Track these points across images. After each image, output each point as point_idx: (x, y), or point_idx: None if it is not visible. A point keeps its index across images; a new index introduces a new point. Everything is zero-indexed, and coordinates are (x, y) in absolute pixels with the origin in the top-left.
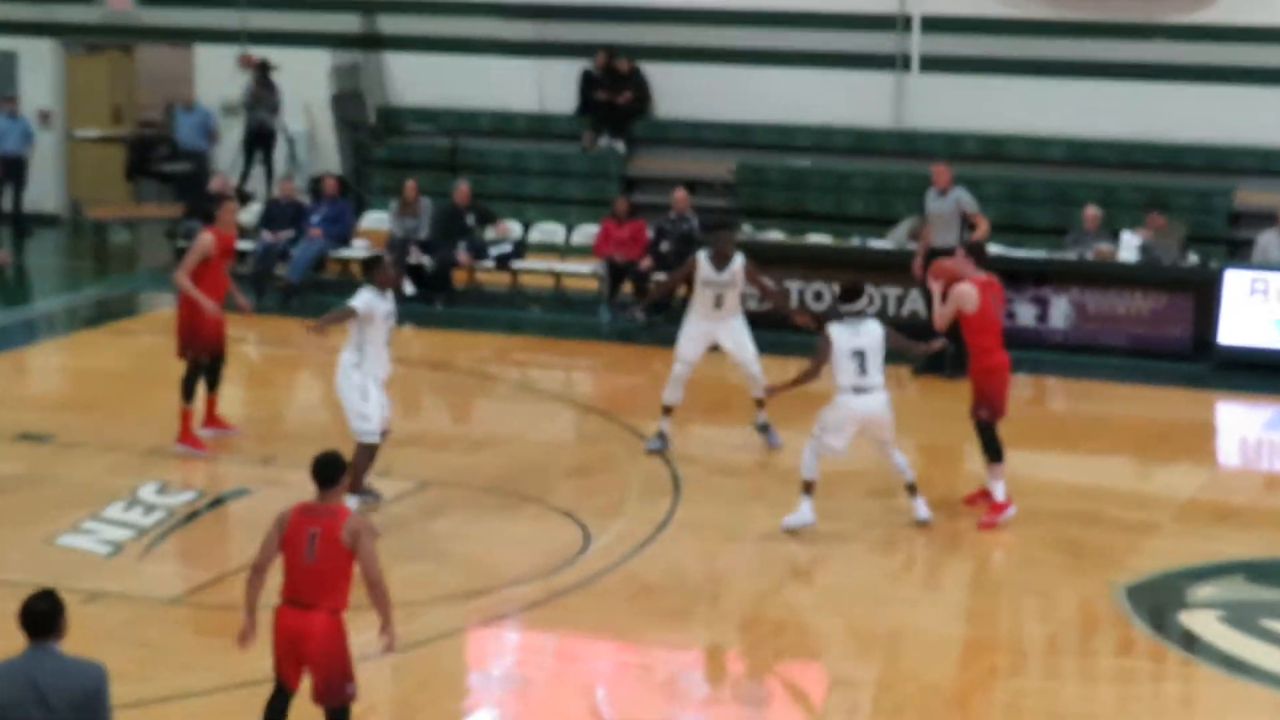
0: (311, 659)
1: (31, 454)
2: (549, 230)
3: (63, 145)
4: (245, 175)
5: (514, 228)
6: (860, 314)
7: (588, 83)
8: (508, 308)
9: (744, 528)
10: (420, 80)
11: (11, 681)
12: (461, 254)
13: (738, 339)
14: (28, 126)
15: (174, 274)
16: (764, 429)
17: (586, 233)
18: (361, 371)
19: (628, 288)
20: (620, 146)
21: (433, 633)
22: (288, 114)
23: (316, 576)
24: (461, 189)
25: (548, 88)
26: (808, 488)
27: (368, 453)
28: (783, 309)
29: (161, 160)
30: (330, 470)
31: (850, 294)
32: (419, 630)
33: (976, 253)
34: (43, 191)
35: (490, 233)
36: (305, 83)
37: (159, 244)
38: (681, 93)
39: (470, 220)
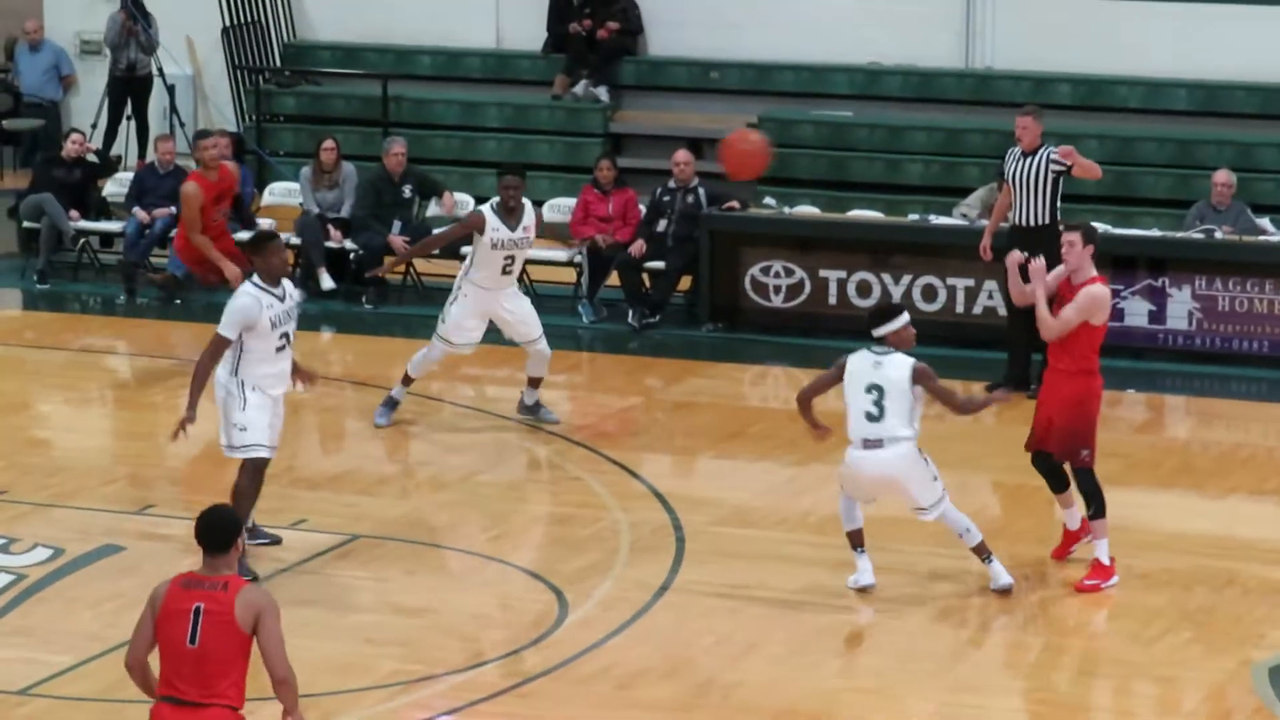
0: None
1: None
2: None
3: None
4: (111, 134)
5: (465, 201)
6: (887, 343)
7: (560, 10)
8: None
9: (765, 594)
10: (340, 9)
11: None
12: (396, 236)
13: (520, 311)
14: None
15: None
16: (535, 408)
17: (560, 207)
18: (239, 381)
19: (615, 280)
20: (603, 94)
21: None
22: (166, 54)
23: (203, 666)
24: (395, 151)
25: (508, 18)
26: (855, 540)
27: (252, 475)
28: None
29: (1, 114)
30: (221, 531)
31: (884, 316)
32: None
33: (1093, 239)
34: None
35: (434, 208)
36: (188, 12)
37: None
38: (683, 22)
39: (407, 192)
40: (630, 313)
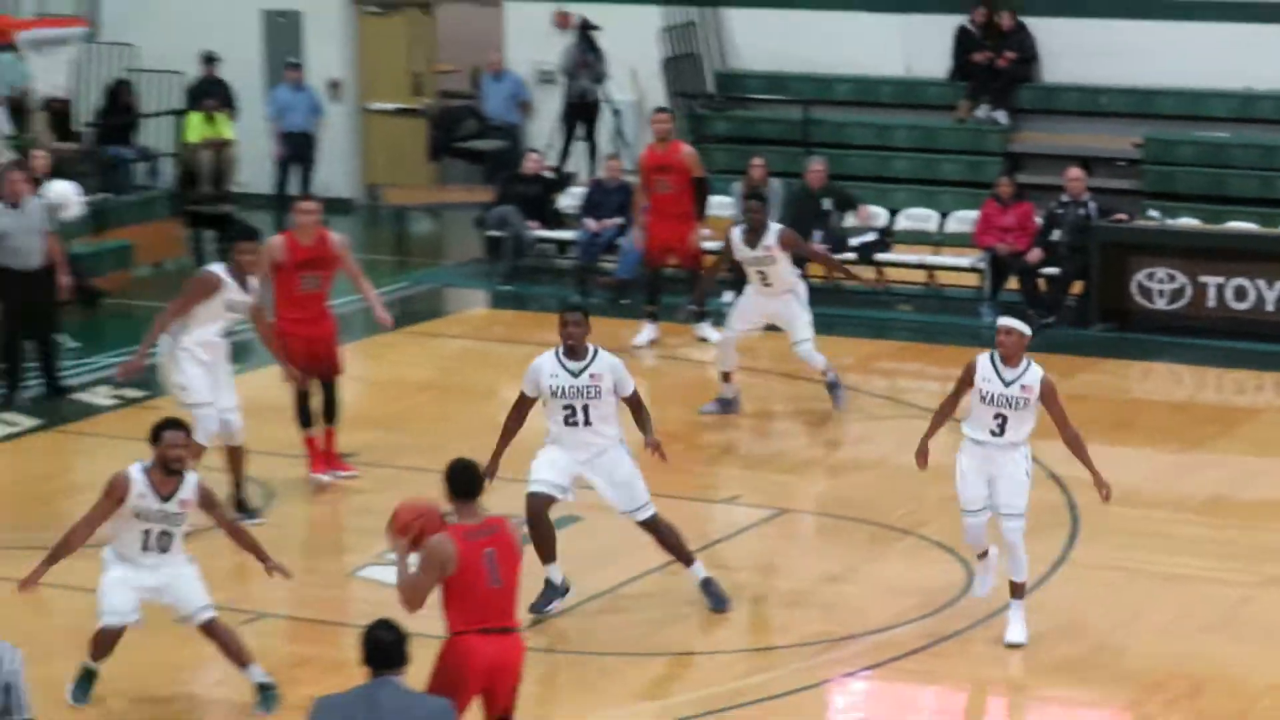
0: (510, 687)
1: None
2: (920, 216)
3: (355, 120)
4: (565, 153)
5: (878, 214)
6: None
7: (963, 42)
8: (872, 308)
9: (1152, 568)
10: (766, 41)
11: (351, 713)
12: (817, 245)
13: (789, 320)
14: (315, 99)
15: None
16: (832, 386)
17: (964, 219)
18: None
19: (1014, 284)
20: (1002, 117)
21: (791, 684)
22: (613, 82)
23: (507, 597)
24: (816, 169)
25: (916, 48)
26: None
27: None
28: (837, 271)
29: (468, 136)
30: (472, 479)
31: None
32: (774, 681)
33: None
34: (333, 173)
35: (850, 220)
36: (632, 45)
37: (466, 234)
38: (1074, 52)
39: (827, 205)
40: (1028, 314)
